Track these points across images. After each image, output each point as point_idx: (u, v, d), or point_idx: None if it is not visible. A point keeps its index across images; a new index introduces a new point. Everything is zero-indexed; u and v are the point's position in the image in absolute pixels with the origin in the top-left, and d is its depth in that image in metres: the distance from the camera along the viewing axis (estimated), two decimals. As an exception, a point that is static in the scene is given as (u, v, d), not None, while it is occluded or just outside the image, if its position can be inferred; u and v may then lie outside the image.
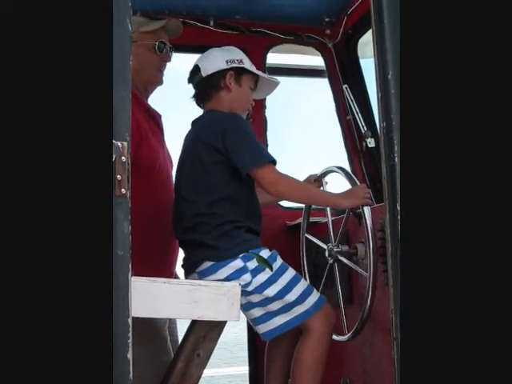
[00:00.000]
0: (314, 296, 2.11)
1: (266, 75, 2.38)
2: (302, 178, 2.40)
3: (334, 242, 2.28)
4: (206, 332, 2.01)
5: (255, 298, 2.06)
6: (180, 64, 2.50)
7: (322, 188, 2.37)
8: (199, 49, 2.46)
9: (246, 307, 2.09)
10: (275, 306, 2.07)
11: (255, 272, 2.05)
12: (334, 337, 2.23)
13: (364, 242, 2.21)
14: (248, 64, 2.28)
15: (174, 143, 2.37)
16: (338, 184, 2.34)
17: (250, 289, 2.04)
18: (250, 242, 2.10)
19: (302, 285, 2.10)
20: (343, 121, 3.11)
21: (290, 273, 2.11)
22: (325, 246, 2.32)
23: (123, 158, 1.34)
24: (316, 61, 3.16)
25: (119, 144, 1.34)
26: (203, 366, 2.03)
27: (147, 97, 2.45)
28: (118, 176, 1.33)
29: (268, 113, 3.02)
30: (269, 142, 2.98)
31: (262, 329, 2.11)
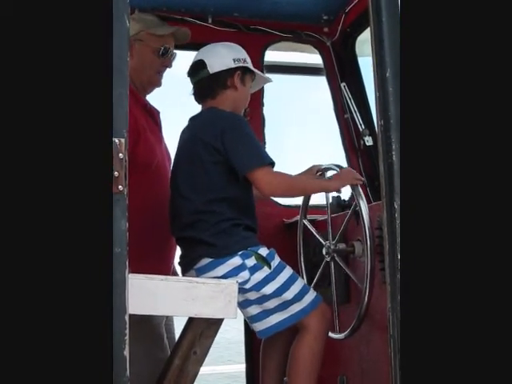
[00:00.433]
0: (311, 295, 2.11)
1: (262, 74, 2.38)
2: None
3: (331, 240, 2.28)
4: (203, 329, 2.01)
5: (252, 296, 2.07)
6: (178, 61, 2.49)
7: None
8: (197, 46, 2.46)
9: (243, 305, 2.09)
10: (272, 303, 2.07)
11: (253, 270, 2.05)
12: (331, 335, 2.24)
13: (361, 239, 2.21)
14: (250, 63, 2.28)
15: (174, 140, 2.37)
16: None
17: (247, 286, 2.04)
18: (248, 239, 2.10)
19: (299, 283, 2.11)
20: (341, 119, 3.10)
21: (288, 271, 2.11)
22: (323, 243, 2.32)
23: (120, 154, 1.34)
24: (314, 59, 3.15)
25: (116, 141, 1.33)
26: (200, 363, 2.03)
27: (145, 95, 2.44)
28: (116, 173, 1.33)
29: (266, 110, 3.02)
30: (266, 140, 2.98)
31: (259, 327, 2.11)
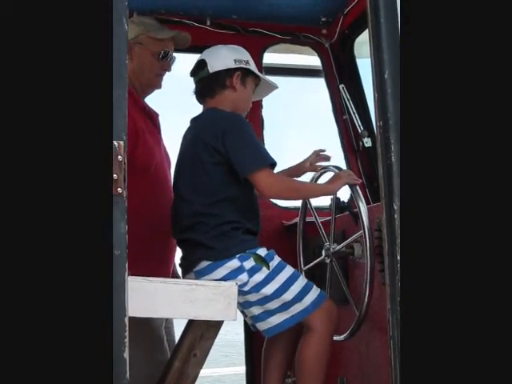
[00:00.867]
0: (313, 294, 2.10)
1: (268, 79, 2.37)
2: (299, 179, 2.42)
3: (330, 242, 2.29)
4: (203, 331, 2.01)
5: (253, 297, 2.06)
6: (177, 64, 2.49)
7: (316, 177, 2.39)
8: (196, 48, 2.46)
9: (244, 306, 2.09)
10: (273, 304, 2.07)
11: (252, 272, 2.05)
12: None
13: (361, 241, 2.21)
14: (253, 66, 2.28)
15: (173, 142, 2.37)
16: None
17: (246, 289, 2.04)
18: (247, 242, 2.10)
19: (300, 283, 2.10)
20: (340, 120, 3.11)
21: (288, 271, 2.10)
22: (322, 245, 2.32)
23: (119, 157, 1.34)
24: (312, 60, 3.16)
25: (115, 143, 1.33)
26: (200, 365, 2.03)
27: (144, 98, 2.44)
28: (115, 175, 1.33)
29: (265, 112, 3.02)
30: (265, 142, 2.98)
31: (262, 326, 2.11)
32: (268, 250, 2.13)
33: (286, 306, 2.07)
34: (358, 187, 2.19)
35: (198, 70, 2.26)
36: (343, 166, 3.08)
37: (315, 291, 2.12)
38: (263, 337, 2.21)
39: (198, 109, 2.31)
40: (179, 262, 2.22)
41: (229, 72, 2.22)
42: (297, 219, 2.62)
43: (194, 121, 2.28)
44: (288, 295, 2.07)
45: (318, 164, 2.48)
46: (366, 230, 2.06)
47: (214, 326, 2.01)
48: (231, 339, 7.22)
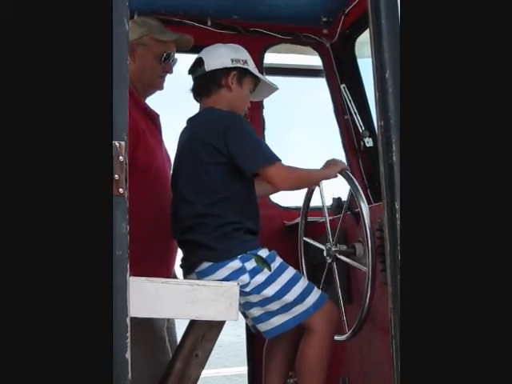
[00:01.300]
0: (314, 295, 2.10)
1: (267, 80, 2.37)
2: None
3: (332, 242, 2.28)
4: (205, 332, 2.01)
5: (254, 299, 2.06)
6: (177, 64, 2.49)
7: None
8: (196, 49, 2.46)
9: (245, 307, 2.09)
10: (274, 306, 2.07)
11: (253, 273, 2.04)
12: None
13: (362, 241, 2.21)
14: (252, 66, 2.27)
15: (173, 143, 2.37)
16: (333, 183, 2.34)
17: (247, 289, 2.03)
18: (248, 242, 2.10)
19: (302, 284, 2.10)
20: (341, 120, 3.11)
21: (289, 272, 2.10)
22: (323, 246, 2.32)
23: (121, 157, 1.34)
24: (313, 60, 3.16)
25: (117, 143, 1.33)
26: (202, 366, 2.02)
27: (145, 99, 2.45)
28: (116, 176, 1.33)
29: (266, 113, 3.02)
30: (267, 143, 2.98)
31: (263, 327, 2.11)
32: (270, 250, 2.13)
33: (287, 308, 2.07)
34: (359, 187, 2.18)
35: (196, 68, 2.26)
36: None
37: (316, 293, 2.11)
38: (264, 338, 2.21)
39: (196, 109, 2.32)
40: (180, 262, 2.22)
41: (225, 71, 2.22)
42: (298, 219, 2.61)
43: (191, 121, 2.27)
44: (289, 297, 2.06)
45: None
46: (368, 229, 2.06)
47: (215, 327, 2.01)
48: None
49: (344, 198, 2.35)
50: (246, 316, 2.18)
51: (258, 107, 2.89)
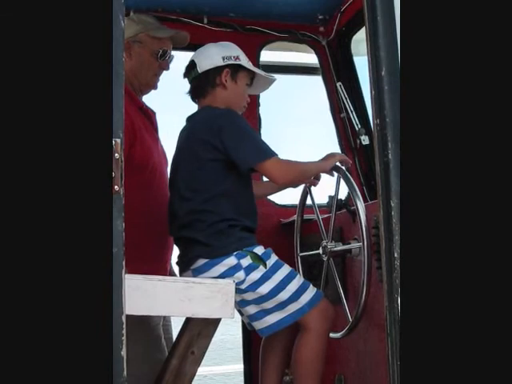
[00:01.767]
0: (310, 293, 2.10)
1: (262, 72, 2.36)
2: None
3: (327, 240, 2.29)
4: (201, 329, 2.01)
5: (249, 296, 2.06)
6: (174, 61, 2.49)
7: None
8: (193, 47, 2.46)
9: (240, 304, 2.09)
10: (269, 304, 2.07)
11: (249, 270, 2.05)
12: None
13: (358, 238, 2.21)
14: (245, 60, 2.27)
15: (170, 141, 2.37)
16: (332, 181, 2.34)
17: (243, 287, 2.04)
18: (244, 240, 2.10)
19: (297, 282, 2.10)
20: (337, 118, 3.11)
21: (285, 270, 2.10)
22: (319, 242, 2.32)
23: (116, 155, 1.34)
24: (310, 58, 3.16)
25: (112, 141, 1.33)
26: (198, 363, 2.03)
27: (141, 97, 2.45)
28: (112, 173, 1.33)
29: (261, 111, 3.02)
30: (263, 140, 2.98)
31: (258, 326, 2.11)
32: (265, 248, 2.13)
33: (282, 305, 2.07)
34: (355, 185, 2.19)
35: (189, 70, 2.28)
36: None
37: (311, 290, 2.12)
38: (260, 336, 2.21)
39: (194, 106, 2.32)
40: (176, 260, 2.22)
41: (217, 70, 2.22)
42: (294, 217, 2.62)
43: (189, 120, 2.28)
44: (284, 294, 2.06)
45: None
46: (364, 227, 2.06)
47: (211, 324, 2.01)
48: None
49: (340, 195, 2.35)
50: (242, 314, 2.18)
51: (253, 105, 2.89)
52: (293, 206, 2.78)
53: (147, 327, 2.22)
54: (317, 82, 3.14)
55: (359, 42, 3.00)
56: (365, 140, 2.99)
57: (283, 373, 2.27)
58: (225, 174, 2.11)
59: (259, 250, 2.10)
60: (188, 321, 2.05)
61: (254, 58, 2.89)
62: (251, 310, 2.09)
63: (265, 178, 2.29)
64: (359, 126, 3.01)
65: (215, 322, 2.02)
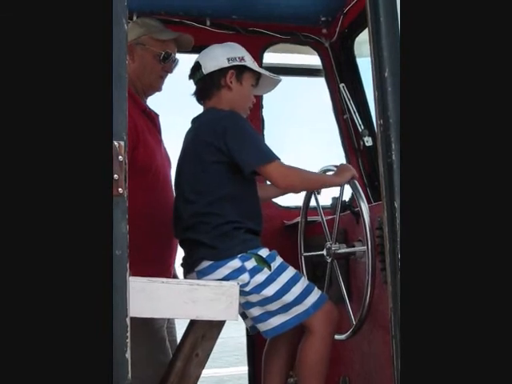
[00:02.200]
0: (314, 295, 2.10)
1: (267, 72, 2.36)
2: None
3: (332, 241, 2.28)
4: (205, 331, 2.01)
5: (254, 298, 2.06)
6: (179, 64, 2.49)
7: None
8: (196, 49, 2.46)
9: (245, 306, 2.09)
10: (274, 306, 2.07)
11: (253, 272, 2.05)
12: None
13: (362, 240, 2.21)
14: (250, 61, 2.26)
15: (175, 143, 2.37)
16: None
17: (247, 289, 2.04)
18: (249, 242, 2.10)
19: (302, 284, 2.10)
20: (340, 120, 3.11)
21: (289, 272, 2.10)
22: (323, 244, 2.32)
23: (120, 157, 1.34)
24: (313, 60, 3.16)
25: (116, 143, 1.33)
26: (202, 365, 2.03)
27: (145, 99, 2.45)
28: (115, 175, 1.33)
29: (265, 112, 3.02)
30: (266, 141, 2.98)
31: (263, 327, 2.11)
32: (270, 250, 2.13)
33: (286, 308, 2.07)
34: (359, 186, 2.19)
35: (194, 72, 2.27)
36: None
37: (316, 293, 2.11)
38: (265, 338, 2.21)
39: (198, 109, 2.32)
40: (181, 261, 2.22)
41: (222, 71, 2.22)
42: (298, 219, 2.61)
43: (194, 121, 2.29)
44: (289, 297, 2.06)
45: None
46: (368, 228, 2.06)
47: (215, 326, 2.01)
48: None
49: (344, 197, 2.35)
50: (245, 316, 2.18)
51: (257, 107, 2.89)
52: (296, 208, 2.78)
53: (151, 329, 2.22)
54: (320, 84, 3.14)
55: (362, 44, 3.00)
56: (368, 141, 2.99)
57: (287, 375, 2.27)
58: (229, 176, 2.11)
59: (264, 252, 2.10)
60: (192, 323, 2.05)
61: (257, 59, 2.88)
62: (255, 312, 2.09)
63: (268, 182, 2.29)
64: (362, 127, 3.01)
65: (219, 325, 2.02)
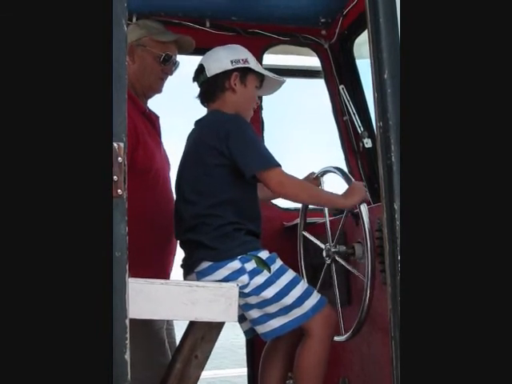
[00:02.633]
0: (313, 299, 2.10)
1: (271, 74, 2.36)
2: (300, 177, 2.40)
3: (331, 243, 2.28)
4: (204, 333, 2.01)
5: (253, 300, 2.06)
6: (180, 66, 2.49)
7: (320, 186, 2.37)
8: (196, 50, 2.46)
9: (244, 308, 2.09)
10: (273, 308, 2.06)
11: (253, 274, 2.04)
12: (333, 337, 2.23)
13: (361, 241, 2.21)
14: (253, 63, 2.26)
15: (177, 144, 2.37)
16: (335, 184, 2.34)
17: (247, 290, 2.03)
18: (249, 243, 2.10)
19: (301, 287, 2.09)
20: (340, 121, 3.11)
21: (289, 275, 2.10)
22: (322, 246, 2.32)
23: (119, 158, 1.34)
24: (312, 61, 3.16)
25: (115, 145, 1.33)
26: (201, 367, 2.02)
27: (145, 101, 2.44)
28: (115, 177, 1.33)
29: (264, 114, 3.02)
30: (266, 144, 2.98)
31: (261, 329, 2.11)
32: (270, 252, 2.13)
33: (285, 310, 2.06)
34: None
35: (198, 75, 2.27)
36: (343, 166, 3.07)
37: (315, 296, 2.11)
38: (263, 341, 2.20)
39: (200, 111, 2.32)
40: (181, 262, 2.22)
41: (226, 74, 2.22)
42: (297, 220, 2.61)
43: (197, 123, 2.28)
44: (288, 299, 2.06)
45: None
46: (367, 230, 2.06)
47: (215, 328, 2.01)
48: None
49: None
50: (241, 320, 2.17)
51: (257, 109, 2.89)
52: (296, 210, 2.78)
53: (151, 331, 2.22)
54: (319, 85, 3.14)
55: (361, 45, 3.00)
56: (368, 143, 2.99)
57: (286, 377, 2.27)
58: (231, 180, 2.10)
59: (264, 254, 2.10)
60: (191, 324, 2.05)
61: (257, 61, 2.89)
62: (254, 314, 2.09)
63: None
64: (362, 129, 3.01)
65: (219, 326, 2.01)
